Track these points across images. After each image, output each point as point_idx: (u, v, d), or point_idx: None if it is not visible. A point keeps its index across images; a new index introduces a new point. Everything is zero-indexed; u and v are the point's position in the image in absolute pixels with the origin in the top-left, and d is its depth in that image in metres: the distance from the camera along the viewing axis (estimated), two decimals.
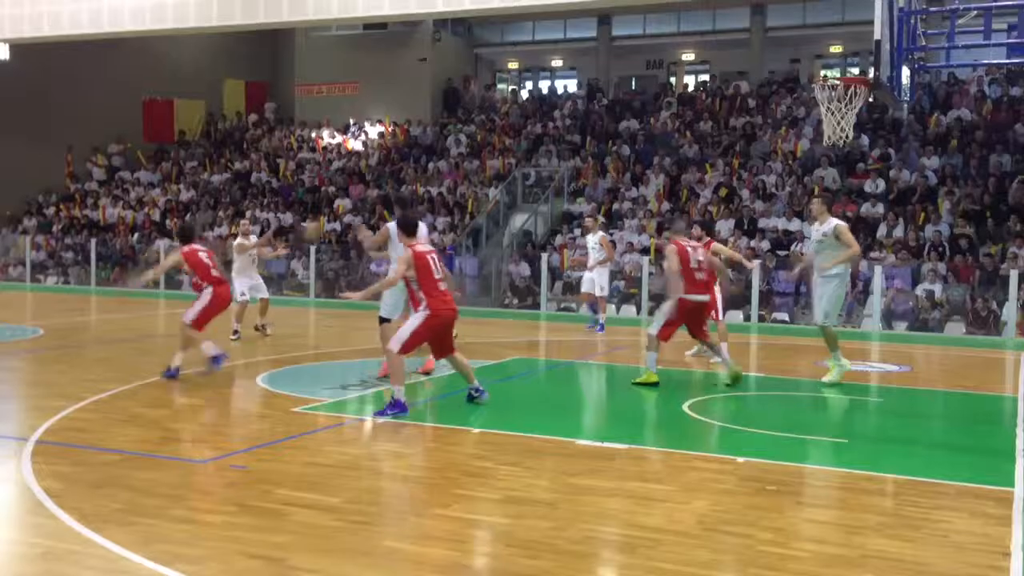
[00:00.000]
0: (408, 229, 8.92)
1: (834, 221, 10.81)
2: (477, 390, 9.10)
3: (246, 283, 14.28)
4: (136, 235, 26.11)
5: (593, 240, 16.55)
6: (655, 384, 10.44)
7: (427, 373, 10.74)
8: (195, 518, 5.71)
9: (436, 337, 8.78)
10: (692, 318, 10.83)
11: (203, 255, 10.73)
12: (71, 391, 9.46)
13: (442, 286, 8.65)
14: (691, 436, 8.46)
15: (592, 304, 16.86)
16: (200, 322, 10.51)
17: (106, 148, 30.73)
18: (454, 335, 9.13)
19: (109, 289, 24.26)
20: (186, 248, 10.71)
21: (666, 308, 10.72)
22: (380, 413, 8.49)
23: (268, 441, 7.76)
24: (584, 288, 16.82)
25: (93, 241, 25.43)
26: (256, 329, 14.28)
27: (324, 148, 29.38)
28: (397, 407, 8.45)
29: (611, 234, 19.64)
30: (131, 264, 25.27)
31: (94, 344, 14.10)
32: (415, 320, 8.62)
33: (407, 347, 8.54)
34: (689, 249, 10.78)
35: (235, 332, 13.85)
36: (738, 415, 9.43)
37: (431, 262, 8.65)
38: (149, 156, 30.56)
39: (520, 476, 6.73)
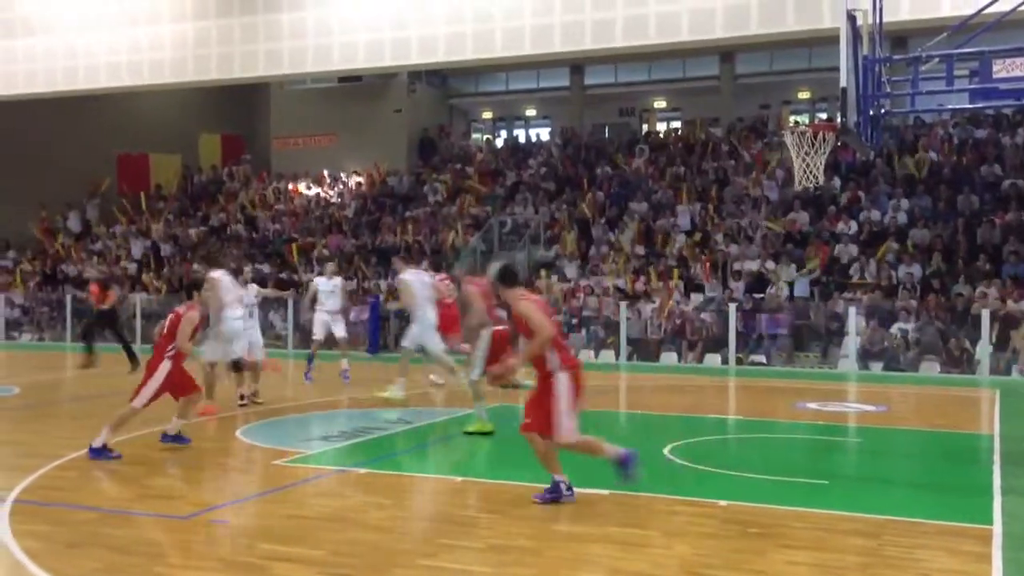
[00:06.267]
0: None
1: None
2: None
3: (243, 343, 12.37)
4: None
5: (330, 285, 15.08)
6: (490, 433, 10.07)
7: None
8: (176, 575, 5.65)
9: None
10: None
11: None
12: (48, 449, 9.36)
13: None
14: (673, 480, 8.48)
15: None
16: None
17: (81, 203, 30.68)
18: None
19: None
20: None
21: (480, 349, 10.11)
22: (626, 475, 7.33)
23: (249, 495, 7.70)
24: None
25: (68, 297, 25.26)
26: (252, 401, 12.67)
27: (301, 199, 29.47)
28: (627, 463, 7.33)
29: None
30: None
31: (70, 401, 13.96)
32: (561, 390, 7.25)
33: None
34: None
35: (255, 395, 12.56)
36: (719, 458, 9.46)
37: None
38: (124, 211, 30.51)
39: (503, 524, 6.72)
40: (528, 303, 7.36)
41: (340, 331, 14.84)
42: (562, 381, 7.19)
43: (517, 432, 11.81)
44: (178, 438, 9.52)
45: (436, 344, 12.38)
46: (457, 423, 11.04)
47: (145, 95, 27.92)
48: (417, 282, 12.40)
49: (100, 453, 8.91)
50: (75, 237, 29.61)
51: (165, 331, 9.37)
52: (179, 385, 9.36)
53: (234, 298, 11.83)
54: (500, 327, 10.07)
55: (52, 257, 28.42)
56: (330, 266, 15.94)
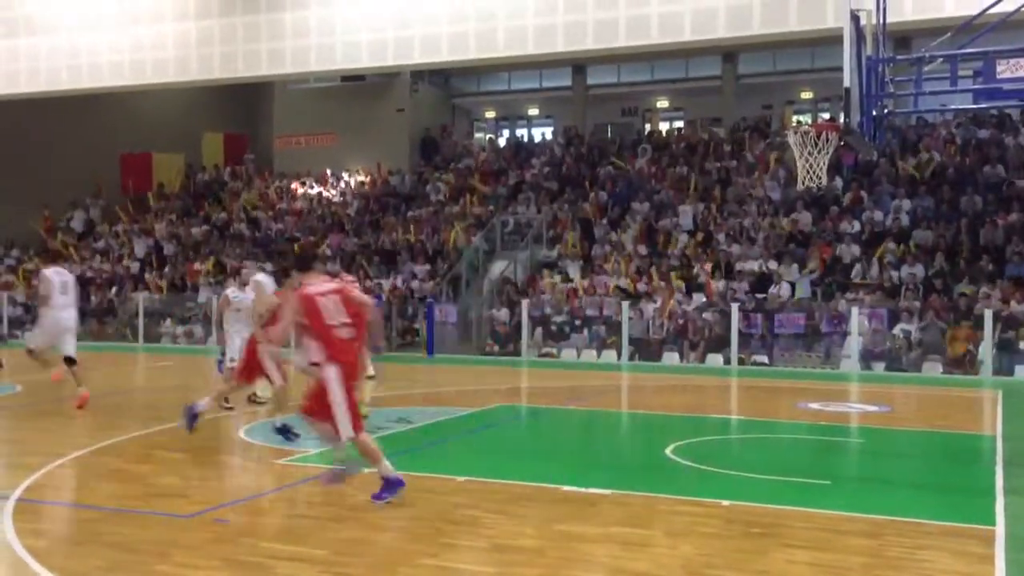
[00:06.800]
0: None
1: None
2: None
3: (238, 342, 11.82)
4: (114, 288, 25.99)
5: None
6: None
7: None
8: (179, 574, 5.66)
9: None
10: None
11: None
12: (51, 448, 9.36)
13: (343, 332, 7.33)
14: (675, 480, 8.48)
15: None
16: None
17: (84, 202, 30.71)
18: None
19: (86, 344, 24.03)
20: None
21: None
22: (377, 497, 7.29)
23: (251, 494, 7.70)
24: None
25: None
26: (250, 400, 12.38)
27: (303, 198, 29.49)
28: (392, 485, 7.30)
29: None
30: (111, 317, 25.12)
31: (72, 400, 13.95)
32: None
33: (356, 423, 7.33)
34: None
35: (225, 400, 11.76)
36: (721, 458, 9.46)
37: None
38: (127, 210, 30.54)
39: (506, 524, 6.72)
40: (297, 296, 7.39)
41: None
42: (331, 371, 7.22)
43: (519, 431, 11.86)
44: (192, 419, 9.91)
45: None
46: (460, 423, 11.06)
47: (148, 94, 27.93)
48: (269, 283, 12.13)
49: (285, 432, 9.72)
50: (78, 236, 29.64)
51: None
52: (246, 369, 9.99)
53: (57, 294, 12.28)
54: None
55: (54, 256, 28.42)
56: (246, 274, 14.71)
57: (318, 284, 7.47)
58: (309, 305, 7.27)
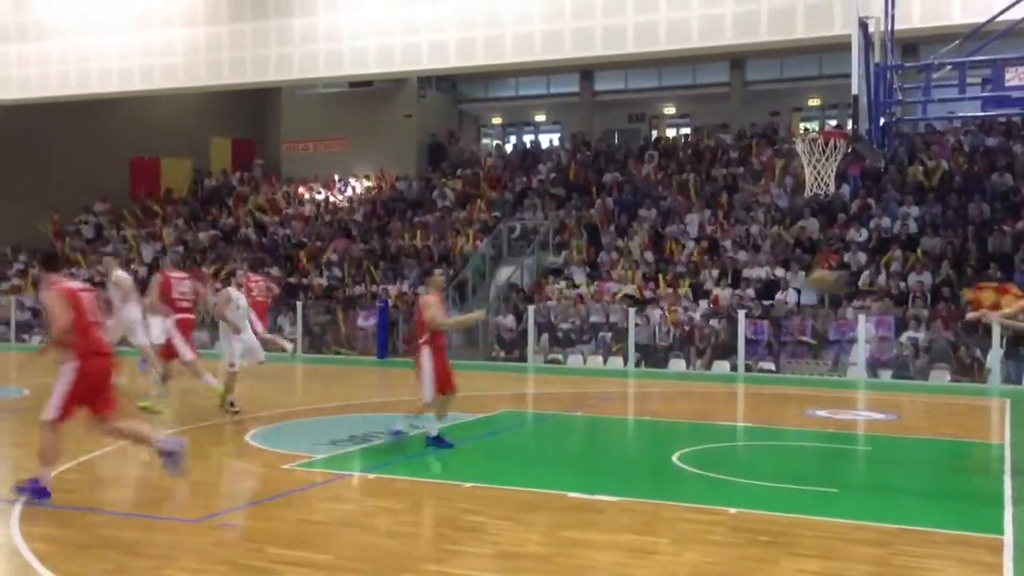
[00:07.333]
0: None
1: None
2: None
3: (237, 346, 12.25)
4: None
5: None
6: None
7: None
8: None
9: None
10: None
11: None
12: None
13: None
14: (681, 487, 8.47)
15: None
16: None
17: (92, 207, 30.82)
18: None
19: None
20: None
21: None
22: (20, 489, 7.45)
23: (258, 499, 7.71)
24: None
25: None
26: (226, 410, 11.89)
27: (310, 203, 29.56)
28: (36, 490, 7.35)
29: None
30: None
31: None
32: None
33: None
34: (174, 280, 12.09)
35: (231, 404, 11.88)
36: (728, 465, 9.44)
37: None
38: (135, 214, 30.63)
39: (512, 530, 6.72)
40: (50, 293, 7.38)
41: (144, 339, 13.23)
42: (66, 371, 7.32)
43: (525, 437, 11.85)
44: (439, 441, 9.77)
45: (142, 339, 13.10)
46: (466, 428, 11.05)
47: (157, 99, 28.05)
48: (129, 280, 13.19)
49: (398, 435, 9.82)
50: (87, 241, 29.72)
51: (416, 321, 10.25)
52: (441, 376, 9.64)
53: None
54: (182, 315, 12.07)
55: (63, 260, 28.55)
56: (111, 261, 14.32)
57: (72, 282, 7.71)
58: (73, 299, 7.35)
